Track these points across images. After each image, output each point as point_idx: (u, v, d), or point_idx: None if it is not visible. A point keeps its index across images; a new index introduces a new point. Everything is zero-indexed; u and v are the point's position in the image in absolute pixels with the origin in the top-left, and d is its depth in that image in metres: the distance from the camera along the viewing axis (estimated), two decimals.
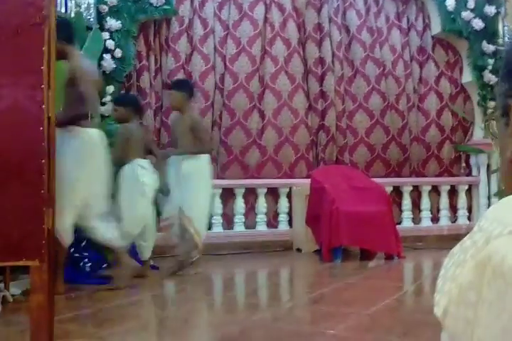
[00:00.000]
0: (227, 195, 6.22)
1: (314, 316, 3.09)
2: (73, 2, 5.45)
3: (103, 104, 5.53)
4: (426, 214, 6.77)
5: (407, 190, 6.72)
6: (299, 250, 5.94)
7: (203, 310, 3.30)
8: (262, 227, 6.25)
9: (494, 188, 6.81)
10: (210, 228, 6.10)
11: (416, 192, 6.85)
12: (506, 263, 0.46)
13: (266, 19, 6.65)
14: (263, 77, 6.56)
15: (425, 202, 6.79)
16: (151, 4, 5.96)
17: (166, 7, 6.05)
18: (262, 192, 6.27)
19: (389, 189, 6.37)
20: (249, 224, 6.27)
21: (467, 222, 6.74)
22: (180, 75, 6.32)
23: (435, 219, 6.84)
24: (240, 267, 5.13)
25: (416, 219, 6.79)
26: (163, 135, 6.26)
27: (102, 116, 5.54)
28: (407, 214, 6.69)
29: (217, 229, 6.11)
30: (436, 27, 7.03)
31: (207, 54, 6.42)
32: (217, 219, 6.11)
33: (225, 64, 6.48)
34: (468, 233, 0.55)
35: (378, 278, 4.41)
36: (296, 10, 6.75)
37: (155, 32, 6.32)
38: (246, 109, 6.44)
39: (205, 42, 6.44)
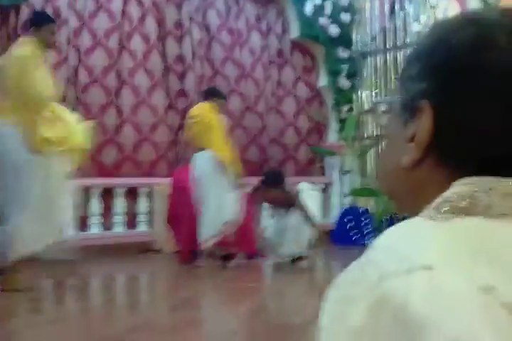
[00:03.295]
0: (82, 195, 5.85)
1: (175, 323, 2.95)
2: None
3: None
4: None
5: None
6: (158, 251, 5.75)
7: (50, 322, 3.01)
8: (119, 229, 5.96)
9: (345, 188, 7.10)
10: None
11: None
12: (410, 309, 0.38)
13: (124, 13, 6.38)
14: (120, 72, 6.28)
15: None
16: None
17: None
18: (120, 192, 5.98)
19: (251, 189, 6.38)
20: (106, 225, 5.95)
21: None
22: None
23: None
24: (95, 272, 4.83)
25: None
26: None
27: None
28: None
29: (70, 231, 5.72)
30: (294, 31, 7.20)
31: (59, 45, 6.00)
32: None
33: (79, 57, 6.12)
34: None
35: (239, 280, 4.35)
36: (155, 5, 6.56)
37: (2, 19, 5.81)
38: (102, 105, 6.13)
39: (58, 33, 5.99)
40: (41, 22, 3.91)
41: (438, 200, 0.48)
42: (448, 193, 0.48)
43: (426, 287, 0.39)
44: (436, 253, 0.42)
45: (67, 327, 2.88)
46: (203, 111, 4.99)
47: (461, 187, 0.48)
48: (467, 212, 0.46)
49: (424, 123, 0.50)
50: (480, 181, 0.47)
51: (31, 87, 3.55)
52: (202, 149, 4.92)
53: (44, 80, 3.70)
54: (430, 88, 0.51)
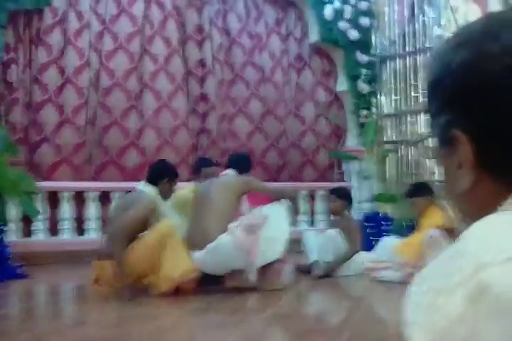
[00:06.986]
0: (104, 198, 5.88)
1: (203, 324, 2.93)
2: None
3: None
4: (303, 218, 6.87)
5: None
6: None
7: None
8: None
9: (365, 193, 7.06)
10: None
11: None
12: None
13: (145, 16, 6.41)
14: (142, 75, 6.31)
15: (302, 207, 6.88)
16: None
17: None
18: None
19: None
20: None
21: None
22: (52, 70, 5.90)
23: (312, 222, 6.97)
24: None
25: (294, 223, 6.85)
26: (30, 132, 5.82)
27: None
28: None
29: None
30: (313, 35, 7.19)
31: (81, 49, 6.05)
32: (90, 225, 5.75)
33: (101, 60, 6.16)
34: None
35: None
36: (176, 9, 6.59)
37: (25, 23, 5.86)
38: (124, 108, 6.16)
39: (80, 37, 6.08)
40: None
41: None
42: None
43: None
44: None
45: None
46: None
47: None
48: None
49: (463, 150, 0.54)
50: None
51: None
52: None
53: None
54: (455, 117, 0.55)
